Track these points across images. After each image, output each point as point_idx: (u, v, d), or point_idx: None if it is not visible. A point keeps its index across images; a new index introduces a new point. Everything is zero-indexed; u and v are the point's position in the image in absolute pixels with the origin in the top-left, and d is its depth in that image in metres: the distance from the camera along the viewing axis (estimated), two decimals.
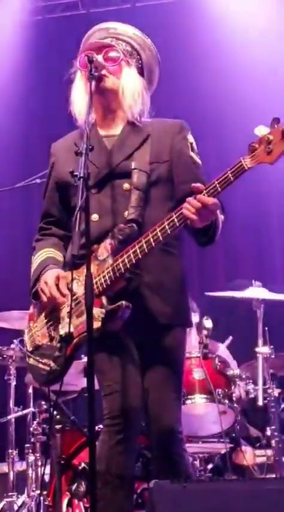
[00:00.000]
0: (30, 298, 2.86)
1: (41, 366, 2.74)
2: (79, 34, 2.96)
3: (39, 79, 6.30)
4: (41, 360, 2.74)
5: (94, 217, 2.68)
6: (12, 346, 4.21)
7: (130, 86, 2.77)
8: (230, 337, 4.34)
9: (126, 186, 2.72)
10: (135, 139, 2.78)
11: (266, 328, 4.10)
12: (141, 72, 2.85)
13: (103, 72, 2.74)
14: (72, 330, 2.62)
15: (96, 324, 2.56)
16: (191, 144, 2.81)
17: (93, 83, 2.66)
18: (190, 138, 2.82)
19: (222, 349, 4.18)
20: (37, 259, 2.84)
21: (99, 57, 2.74)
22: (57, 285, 2.70)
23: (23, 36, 6.32)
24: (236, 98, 5.82)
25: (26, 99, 6.23)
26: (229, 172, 2.44)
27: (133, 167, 2.72)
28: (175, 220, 2.53)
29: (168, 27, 5.95)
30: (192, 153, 2.79)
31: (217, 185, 2.46)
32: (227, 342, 4.32)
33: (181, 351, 2.79)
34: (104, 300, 2.61)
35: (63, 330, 2.65)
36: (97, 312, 2.57)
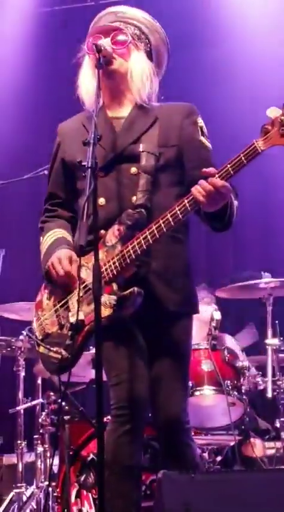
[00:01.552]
0: (39, 285, 2.84)
1: (51, 354, 2.72)
2: (88, 25, 2.94)
3: (48, 69, 6.28)
4: (51, 348, 2.71)
5: (101, 201, 2.66)
6: (21, 337, 4.21)
7: (139, 69, 2.75)
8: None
9: (134, 169, 2.69)
10: (143, 122, 2.75)
11: (276, 322, 4.08)
12: (149, 55, 2.82)
13: (112, 55, 2.71)
14: (82, 317, 2.61)
15: (108, 311, 2.55)
16: (201, 128, 2.77)
17: (101, 70, 2.64)
18: (200, 121, 2.78)
19: (229, 341, 4.16)
20: (48, 239, 2.80)
21: (107, 41, 2.72)
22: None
23: (32, 27, 6.29)
24: (244, 86, 5.79)
25: (34, 89, 6.22)
26: (242, 155, 2.41)
27: (141, 150, 2.69)
28: (187, 205, 2.50)
29: (176, 17, 5.91)
30: (201, 137, 2.76)
31: (230, 168, 2.43)
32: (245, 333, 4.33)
33: (188, 340, 2.77)
34: (115, 286, 2.58)
35: (73, 318, 2.62)
36: (108, 298, 2.55)
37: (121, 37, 2.76)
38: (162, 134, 2.73)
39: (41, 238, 2.86)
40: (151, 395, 2.69)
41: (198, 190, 2.46)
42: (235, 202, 2.64)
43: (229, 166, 2.44)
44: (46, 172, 4.13)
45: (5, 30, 6.28)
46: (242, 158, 2.41)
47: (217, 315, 4.14)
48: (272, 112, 2.38)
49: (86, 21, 2.98)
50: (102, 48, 2.66)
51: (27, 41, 6.26)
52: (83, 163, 2.37)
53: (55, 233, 2.81)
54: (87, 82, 2.77)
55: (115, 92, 2.80)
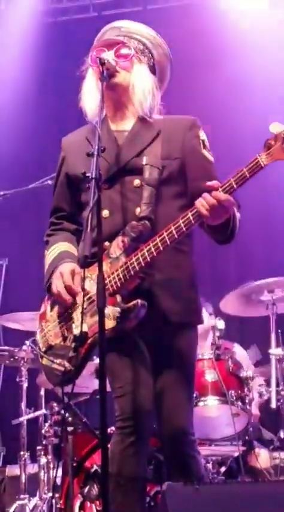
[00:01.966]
0: (42, 296, 2.84)
1: (55, 366, 2.72)
2: (91, 36, 2.96)
3: (51, 80, 6.31)
4: (54, 360, 2.72)
5: (105, 213, 2.67)
6: (24, 347, 4.21)
7: (141, 82, 2.77)
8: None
9: (137, 182, 2.71)
10: (146, 135, 2.77)
11: (279, 331, 4.07)
12: (152, 70, 2.84)
13: (115, 68, 2.73)
14: (86, 329, 2.61)
15: (111, 323, 2.55)
16: (203, 141, 2.79)
17: (104, 83, 2.66)
18: (202, 134, 2.81)
19: (237, 349, 4.15)
20: (52, 253, 2.82)
21: (111, 54, 2.74)
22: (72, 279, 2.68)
23: (35, 38, 6.33)
24: (247, 100, 5.81)
25: (38, 100, 6.24)
26: (245, 169, 2.44)
27: (144, 163, 2.71)
28: (191, 218, 2.52)
29: (178, 30, 5.94)
30: (204, 150, 2.78)
31: (233, 183, 2.46)
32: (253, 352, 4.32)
33: (193, 351, 2.77)
34: (119, 298, 2.59)
35: (77, 330, 2.61)
36: (112, 310, 2.56)
37: (124, 50, 2.78)
38: (165, 147, 2.75)
39: (46, 251, 2.87)
40: (156, 407, 2.69)
41: (202, 204, 2.48)
42: (238, 215, 2.65)
43: (232, 180, 2.46)
44: (50, 182, 4.15)
45: (9, 41, 6.32)
46: (246, 172, 2.43)
47: (221, 324, 4.14)
48: (275, 127, 2.42)
49: (89, 32, 3.00)
50: (106, 61, 2.68)
51: (31, 51, 6.29)
52: (87, 175, 2.38)
53: (59, 246, 2.82)
54: (90, 94, 2.79)
55: (118, 104, 2.81)
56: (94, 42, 2.90)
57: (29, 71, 6.26)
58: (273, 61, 5.80)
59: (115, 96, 2.79)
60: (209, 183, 2.50)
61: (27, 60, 6.26)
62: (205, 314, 4.24)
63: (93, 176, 2.36)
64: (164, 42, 2.89)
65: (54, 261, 2.78)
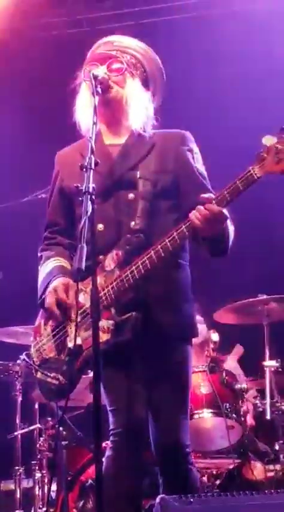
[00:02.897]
0: (36, 311, 2.84)
1: (49, 380, 2.72)
2: (83, 51, 2.98)
3: (43, 95, 6.32)
4: (49, 374, 2.72)
5: (100, 227, 2.68)
6: (18, 361, 4.20)
7: (134, 96, 2.79)
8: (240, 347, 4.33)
9: (131, 196, 2.72)
10: (139, 149, 2.79)
11: (274, 343, 4.07)
12: (145, 83, 2.87)
13: (108, 82, 2.75)
14: (80, 342, 2.61)
15: (105, 336, 2.56)
16: (196, 154, 2.82)
17: (98, 98, 2.67)
18: (195, 148, 2.83)
19: (230, 361, 4.16)
20: (45, 268, 2.83)
21: (103, 68, 2.76)
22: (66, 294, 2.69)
23: (27, 52, 6.35)
24: (239, 113, 5.84)
25: (29, 114, 6.25)
26: (238, 181, 2.45)
27: (138, 176, 2.73)
28: (185, 230, 2.53)
29: (171, 44, 5.97)
30: (197, 164, 2.80)
31: (227, 195, 2.47)
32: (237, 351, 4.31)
33: (188, 364, 2.77)
34: (113, 311, 2.60)
35: (71, 343, 2.62)
36: (106, 323, 2.56)
37: (116, 65, 2.81)
38: (159, 161, 2.77)
39: (39, 267, 2.88)
40: (152, 420, 2.69)
41: (196, 216, 2.50)
42: (231, 228, 2.66)
43: (226, 192, 2.48)
44: (44, 195, 4.16)
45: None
46: (239, 185, 2.45)
47: (215, 337, 4.15)
48: (268, 140, 2.43)
49: (82, 47, 3.02)
50: (99, 76, 2.70)
51: (24, 66, 6.31)
52: (80, 188, 2.39)
53: (52, 262, 2.83)
54: (83, 109, 2.81)
55: (112, 119, 2.84)
56: (87, 57, 2.92)
57: (20, 84, 6.28)
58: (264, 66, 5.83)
59: (109, 111, 2.81)
60: (203, 196, 2.52)
61: (17, 74, 6.28)
62: (202, 326, 4.25)
63: (86, 190, 2.37)
64: (156, 56, 2.92)
65: (47, 276, 2.79)
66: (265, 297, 4.08)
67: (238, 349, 4.47)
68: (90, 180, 2.39)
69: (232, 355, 4.41)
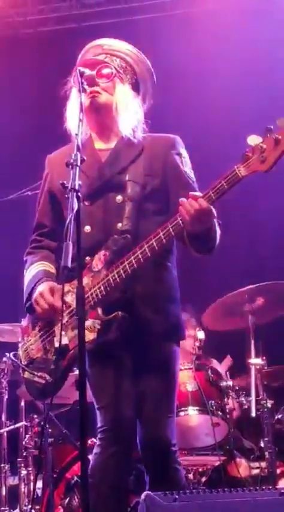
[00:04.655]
0: (23, 310, 2.85)
1: (36, 379, 2.73)
2: (71, 47, 2.98)
3: (31, 91, 6.30)
4: (36, 374, 2.73)
5: (87, 228, 2.69)
6: (4, 359, 4.19)
7: (124, 102, 2.81)
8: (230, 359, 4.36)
9: (119, 198, 2.73)
10: (129, 153, 2.80)
11: (260, 341, 4.09)
12: (135, 87, 2.88)
13: (97, 89, 2.77)
14: (67, 342, 2.62)
15: (92, 335, 2.57)
16: (184, 158, 2.83)
17: (88, 99, 2.70)
18: (184, 152, 2.84)
19: (214, 362, 4.18)
20: (30, 273, 2.84)
21: (93, 74, 2.75)
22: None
23: (14, 49, 6.33)
24: (227, 116, 5.85)
25: (18, 112, 6.23)
26: (223, 181, 2.46)
27: (127, 179, 2.74)
28: (170, 230, 2.54)
29: (159, 41, 5.97)
30: (185, 168, 2.82)
31: (212, 194, 2.48)
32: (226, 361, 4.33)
33: (175, 363, 2.78)
34: (99, 311, 2.61)
35: (58, 343, 2.63)
36: (92, 323, 2.57)
37: (106, 70, 2.82)
38: (147, 164, 2.78)
39: (25, 271, 2.89)
40: (138, 418, 2.70)
41: (185, 209, 2.49)
42: (218, 229, 2.67)
43: (211, 191, 2.49)
44: (29, 193, 4.15)
45: None
46: (224, 184, 2.46)
47: (201, 335, 4.16)
48: (253, 140, 2.45)
49: (70, 43, 3.01)
50: (84, 72, 2.69)
51: (10, 62, 6.29)
52: (66, 186, 2.39)
53: (37, 266, 2.84)
54: (74, 114, 2.79)
55: (102, 126, 2.85)
56: (77, 62, 2.91)
57: (7, 82, 6.26)
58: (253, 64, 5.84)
59: (99, 117, 2.83)
60: (191, 193, 2.53)
61: (5, 71, 6.26)
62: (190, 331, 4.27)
63: (72, 187, 2.36)
64: (145, 59, 2.92)
65: (32, 280, 2.80)
66: (249, 287, 4.08)
67: (228, 361, 4.50)
68: (76, 178, 2.39)
69: (222, 365, 4.43)
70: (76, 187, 2.35)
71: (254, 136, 2.45)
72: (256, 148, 2.43)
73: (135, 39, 2.97)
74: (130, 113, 2.80)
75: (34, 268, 2.83)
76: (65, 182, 2.41)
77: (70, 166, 2.41)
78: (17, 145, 6.23)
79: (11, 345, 3.91)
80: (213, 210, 2.53)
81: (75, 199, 2.34)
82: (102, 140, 2.86)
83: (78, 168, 2.41)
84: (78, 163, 2.42)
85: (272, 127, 2.42)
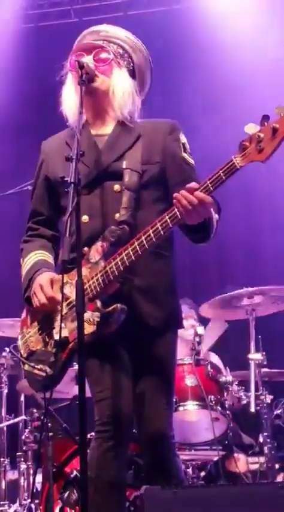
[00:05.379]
0: (23, 303, 2.84)
1: (36, 371, 2.71)
2: (71, 42, 2.97)
3: (30, 86, 6.30)
4: (36, 366, 2.71)
5: (85, 218, 2.66)
6: (4, 354, 4.19)
7: (121, 86, 2.78)
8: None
9: (117, 187, 2.71)
10: (126, 139, 2.77)
11: (259, 336, 4.08)
12: (132, 74, 2.85)
13: (94, 72, 2.74)
14: (67, 334, 2.61)
15: (91, 328, 2.55)
16: (183, 144, 2.79)
17: (84, 87, 2.66)
18: (183, 138, 2.81)
19: (213, 357, 4.17)
20: (28, 262, 2.82)
21: (90, 58, 2.75)
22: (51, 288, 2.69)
23: (14, 43, 6.32)
24: (226, 104, 5.85)
25: (17, 106, 6.23)
26: (220, 171, 2.43)
27: (124, 167, 2.71)
28: (168, 220, 2.52)
29: (159, 35, 5.97)
30: (184, 154, 2.78)
31: (209, 184, 2.45)
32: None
33: (173, 355, 2.78)
34: (98, 303, 2.59)
35: (58, 335, 2.61)
36: (91, 315, 2.56)
37: (103, 55, 2.79)
38: (145, 151, 2.75)
39: (21, 260, 2.87)
40: (136, 411, 2.69)
41: (181, 203, 2.47)
42: (216, 216, 2.65)
43: (208, 182, 2.46)
44: (29, 188, 4.14)
45: None
46: (221, 174, 2.43)
47: (201, 330, 4.16)
48: (250, 128, 2.40)
49: (70, 38, 3.00)
50: (85, 65, 2.68)
51: (10, 56, 6.28)
52: (66, 179, 2.38)
53: (35, 255, 2.82)
54: (70, 99, 2.79)
55: (98, 109, 2.82)
56: (74, 47, 2.89)
57: (7, 76, 6.25)
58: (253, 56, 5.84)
59: (95, 101, 2.79)
60: (188, 185, 2.50)
61: (5, 65, 6.26)
62: (190, 321, 4.27)
63: (72, 181, 2.36)
64: (143, 46, 2.89)
65: (30, 270, 2.78)
66: (249, 289, 4.08)
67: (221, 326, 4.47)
68: (76, 172, 2.38)
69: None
70: (76, 181, 2.35)
71: (252, 125, 2.40)
72: (254, 138, 2.39)
73: (136, 34, 2.96)
74: (127, 98, 2.77)
75: (32, 258, 2.81)
76: (64, 176, 2.40)
77: (69, 160, 2.41)
78: (16, 141, 6.23)
79: (11, 340, 3.91)
80: (210, 199, 2.48)
81: (74, 194, 2.34)
82: (98, 125, 2.82)
83: (77, 162, 2.40)
84: (78, 158, 2.41)
85: (269, 116, 2.37)
